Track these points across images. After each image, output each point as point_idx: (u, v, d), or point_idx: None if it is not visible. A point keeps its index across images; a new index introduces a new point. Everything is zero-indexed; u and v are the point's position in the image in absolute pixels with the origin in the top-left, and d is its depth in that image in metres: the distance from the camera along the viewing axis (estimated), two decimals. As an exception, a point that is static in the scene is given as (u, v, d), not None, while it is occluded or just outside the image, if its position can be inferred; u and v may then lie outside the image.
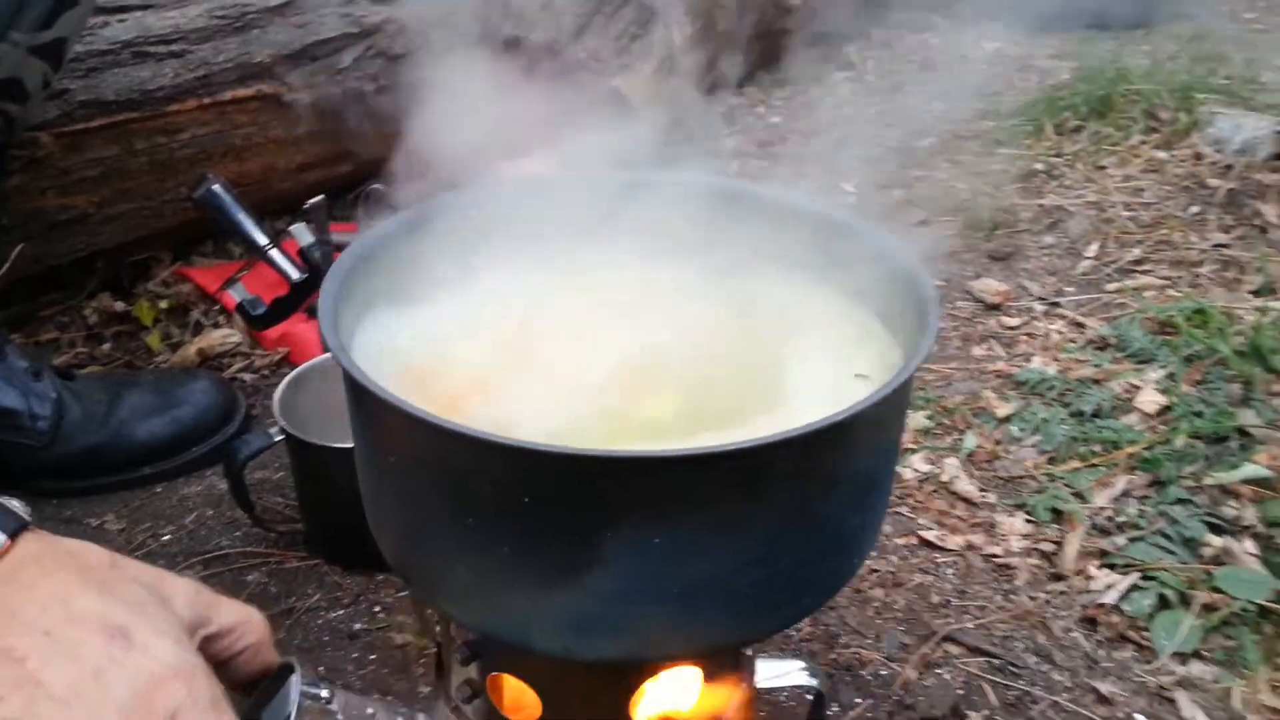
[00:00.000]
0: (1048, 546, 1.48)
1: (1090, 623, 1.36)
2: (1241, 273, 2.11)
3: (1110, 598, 1.37)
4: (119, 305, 2.02)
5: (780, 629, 0.73)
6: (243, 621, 0.65)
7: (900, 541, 1.51)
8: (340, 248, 1.95)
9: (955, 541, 1.49)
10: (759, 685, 0.89)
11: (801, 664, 0.94)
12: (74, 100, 1.82)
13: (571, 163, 0.87)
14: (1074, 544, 1.46)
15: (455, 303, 0.81)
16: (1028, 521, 1.52)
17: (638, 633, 0.65)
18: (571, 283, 0.82)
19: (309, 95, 2.32)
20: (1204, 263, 2.17)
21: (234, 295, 1.82)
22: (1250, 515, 1.45)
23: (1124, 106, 2.88)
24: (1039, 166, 2.70)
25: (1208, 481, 1.51)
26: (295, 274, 1.75)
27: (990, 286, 2.14)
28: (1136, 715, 1.23)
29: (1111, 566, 1.42)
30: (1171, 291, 2.08)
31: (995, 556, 1.47)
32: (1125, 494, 1.54)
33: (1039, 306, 2.09)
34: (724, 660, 0.83)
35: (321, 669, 1.29)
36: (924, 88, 3.20)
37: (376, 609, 1.38)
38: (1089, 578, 1.41)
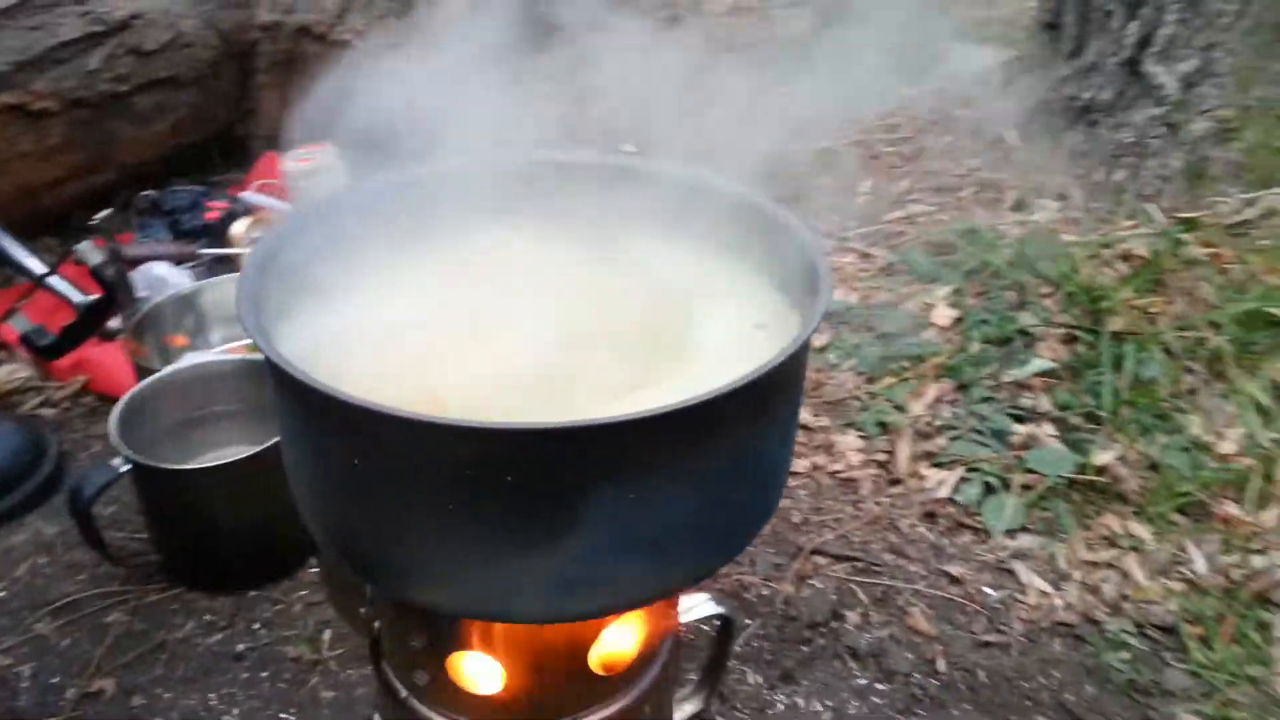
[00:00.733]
0: (882, 456, 1.63)
1: (931, 517, 1.51)
2: (998, 192, 2.36)
3: (943, 492, 1.54)
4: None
5: (731, 559, 0.79)
6: None
7: (754, 474, 1.61)
8: (135, 262, 1.82)
9: (802, 465, 1.61)
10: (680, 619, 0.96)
11: (707, 595, 1.01)
12: None
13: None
14: (904, 451, 1.61)
15: (360, 301, 0.80)
16: (860, 437, 1.66)
17: (616, 585, 0.69)
18: (477, 268, 0.83)
19: (56, 103, 2.13)
20: (963, 187, 2.41)
21: (15, 327, 1.67)
22: (1045, 403, 1.66)
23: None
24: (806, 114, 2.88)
25: (1005, 379, 1.71)
26: (77, 298, 1.62)
27: (785, 228, 2.28)
28: (985, 588, 1.39)
29: (939, 465, 1.59)
30: (940, 216, 2.30)
31: (839, 472, 1.60)
32: (938, 400, 1.71)
33: (830, 243, 2.26)
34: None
35: (213, 699, 1.23)
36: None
37: (256, 626, 1.33)
38: (922, 478, 1.57)
